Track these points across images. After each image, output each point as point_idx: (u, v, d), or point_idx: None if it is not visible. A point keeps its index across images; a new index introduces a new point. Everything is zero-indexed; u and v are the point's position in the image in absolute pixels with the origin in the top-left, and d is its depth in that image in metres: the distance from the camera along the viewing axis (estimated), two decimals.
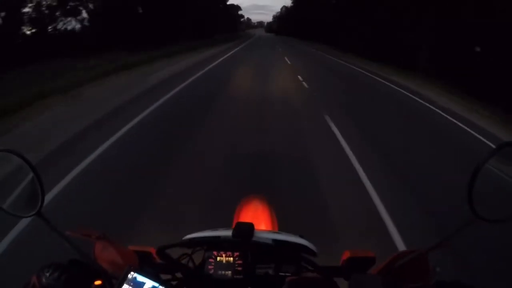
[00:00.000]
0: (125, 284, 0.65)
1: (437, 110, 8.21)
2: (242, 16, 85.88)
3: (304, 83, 10.29)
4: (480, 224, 0.63)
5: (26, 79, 9.12)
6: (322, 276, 0.76)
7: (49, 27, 16.18)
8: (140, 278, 0.65)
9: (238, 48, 24.87)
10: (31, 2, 15.24)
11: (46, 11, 15.91)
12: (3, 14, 13.87)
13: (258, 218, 1.27)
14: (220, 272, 0.83)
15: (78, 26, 17.92)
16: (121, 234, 2.21)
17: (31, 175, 0.69)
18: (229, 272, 0.82)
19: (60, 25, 16.82)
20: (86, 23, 18.28)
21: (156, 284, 0.64)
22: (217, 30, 34.36)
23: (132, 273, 0.66)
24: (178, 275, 0.84)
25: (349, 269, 0.79)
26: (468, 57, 12.64)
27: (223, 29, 38.66)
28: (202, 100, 7.38)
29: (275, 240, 0.87)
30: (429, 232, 2.86)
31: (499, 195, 0.72)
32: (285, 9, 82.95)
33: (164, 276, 0.76)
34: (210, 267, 0.83)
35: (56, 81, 8.25)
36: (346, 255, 0.84)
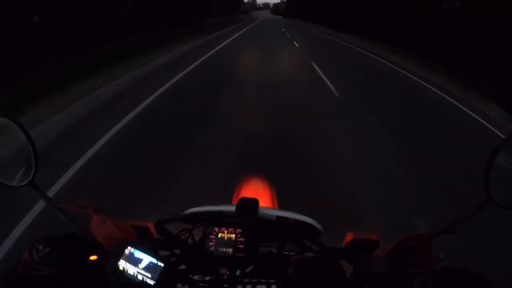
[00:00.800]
0: (121, 260, 0.62)
1: None
2: None
3: None
4: (491, 209, 0.60)
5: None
6: (327, 257, 0.74)
7: None
8: (137, 253, 0.63)
9: (216, 48, 12.62)
10: None
11: None
12: None
13: (259, 197, 1.25)
14: (221, 249, 0.79)
15: None
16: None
17: (25, 142, 0.65)
18: (231, 249, 0.79)
19: None
20: None
21: (154, 260, 0.61)
22: (211, 13, 31.80)
23: (129, 248, 0.63)
24: (177, 251, 0.82)
25: (353, 251, 0.77)
26: None
27: (220, 11, 36.85)
28: None
29: (279, 217, 0.84)
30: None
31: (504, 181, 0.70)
32: None
33: (162, 252, 0.74)
34: (210, 243, 0.80)
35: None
36: (349, 237, 0.82)
